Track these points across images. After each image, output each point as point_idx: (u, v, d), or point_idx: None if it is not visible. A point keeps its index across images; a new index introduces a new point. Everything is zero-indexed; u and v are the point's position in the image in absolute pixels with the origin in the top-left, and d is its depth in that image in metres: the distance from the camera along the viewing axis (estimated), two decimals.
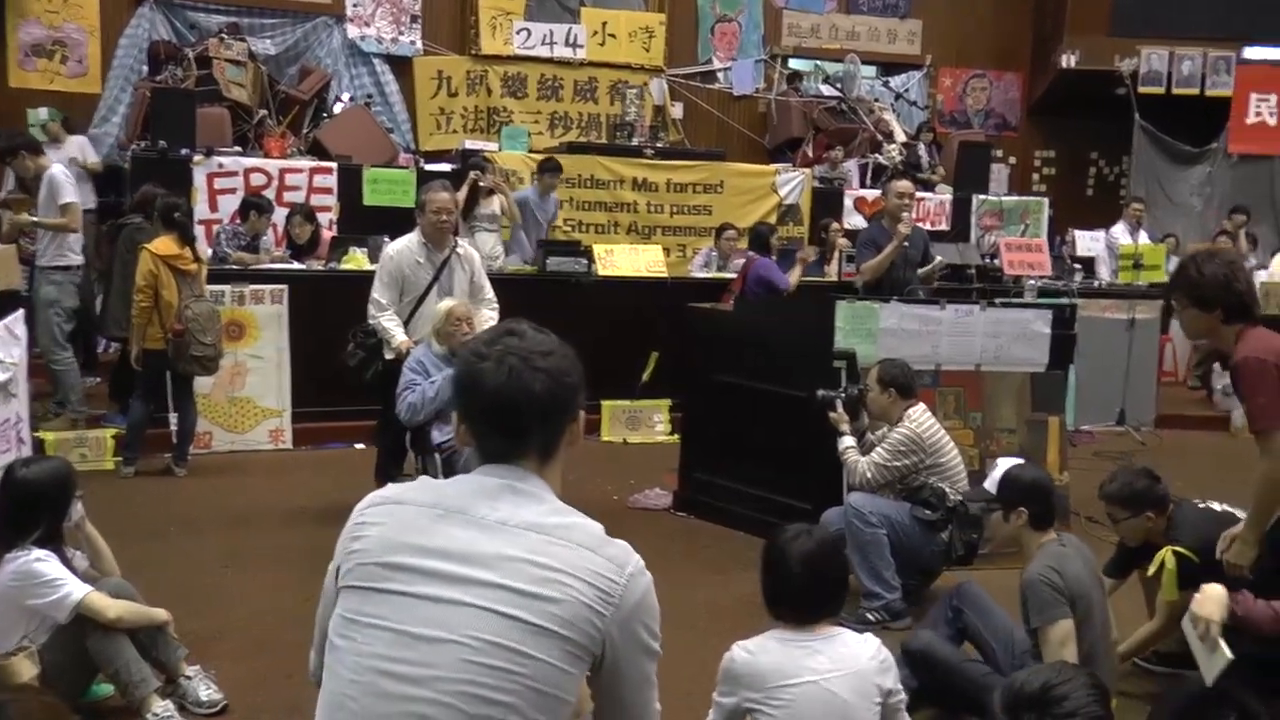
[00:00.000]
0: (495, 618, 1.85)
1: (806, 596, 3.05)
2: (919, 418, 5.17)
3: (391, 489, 2.05)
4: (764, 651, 3.02)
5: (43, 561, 3.77)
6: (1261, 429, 3.68)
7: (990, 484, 3.94)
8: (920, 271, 7.44)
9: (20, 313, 5.27)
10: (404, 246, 6.33)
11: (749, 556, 6.03)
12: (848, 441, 5.30)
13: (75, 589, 3.77)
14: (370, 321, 6.30)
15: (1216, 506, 4.41)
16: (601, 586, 1.90)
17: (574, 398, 2.03)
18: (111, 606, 3.83)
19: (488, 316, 6.24)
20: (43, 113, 10.73)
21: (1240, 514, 4.36)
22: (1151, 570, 4.18)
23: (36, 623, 3.79)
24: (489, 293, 6.44)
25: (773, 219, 11.77)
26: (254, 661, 4.53)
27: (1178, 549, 4.12)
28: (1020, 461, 3.96)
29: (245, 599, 5.19)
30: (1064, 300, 7.48)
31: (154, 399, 7.25)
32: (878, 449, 5.19)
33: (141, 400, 7.24)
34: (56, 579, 3.75)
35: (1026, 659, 3.80)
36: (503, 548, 1.89)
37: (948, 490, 5.06)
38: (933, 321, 6.14)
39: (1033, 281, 9.72)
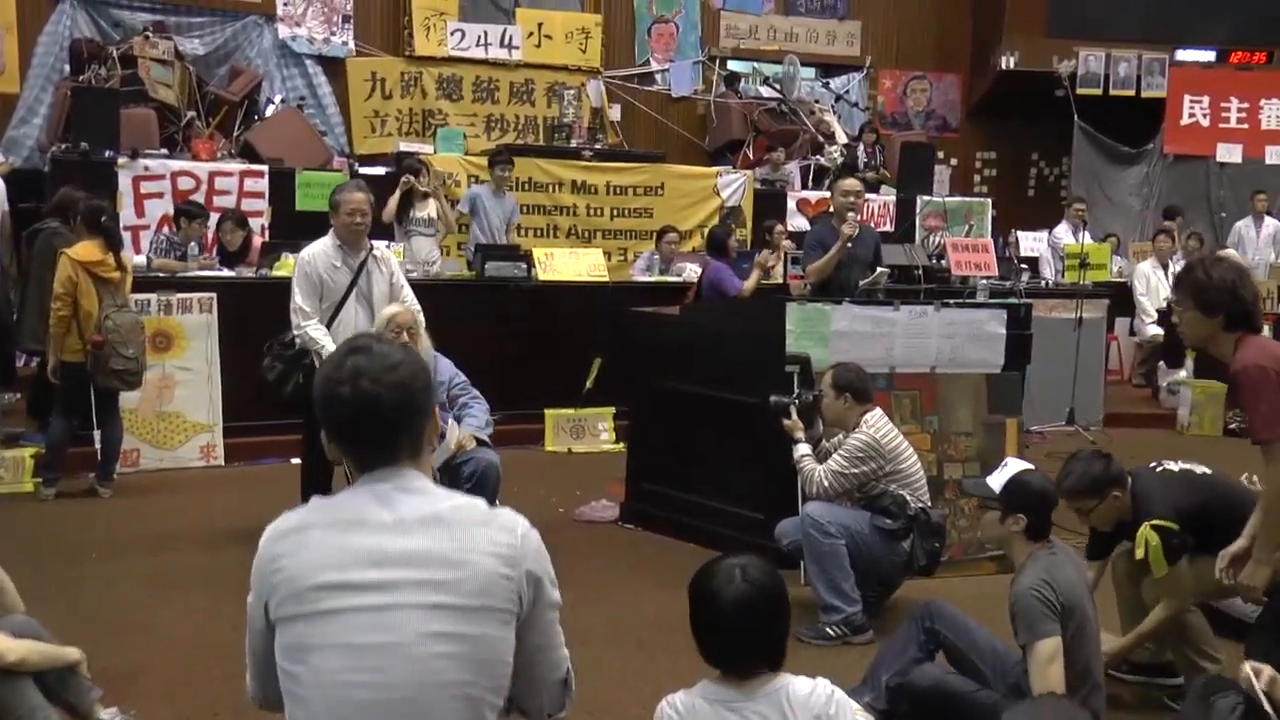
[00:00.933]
0: (427, 611, 2.05)
1: (741, 649, 2.57)
2: (876, 423, 4.99)
3: (289, 518, 2.16)
4: (693, 715, 2.58)
5: None
6: (1266, 439, 3.54)
7: (994, 481, 3.74)
8: (863, 284, 7.20)
9: None
10: (319, 250, 6.05)
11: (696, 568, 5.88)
12: (803, 449, 5.11)
13: None
14: (295, 332, 6.00)
15: (1174, 466, 4.31)
16: (503, 553, 2.12)
17: (427, 400, 2.20)
18: (13, 649, 3.50)
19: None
20: None
21: (1198, 469, 4.30)
22: (1139, 554, 4.02)
23: None
24: (410, 296, 6.18)
25: (714, 221, 11.59)
26: (178, 700, 4.23)
27: (1155, 523, 3.98)
28: (1030, 467, 3.77)
29: (169, 630, 4.87)
30: (1016, 300, 7.32)
31: (75, 415, 6.88)
32: (834, 456, 5.00)
33: (61, 417, 6.87)
34: None
35: (1020, 675, 3.63)
36: (409, 544, 2.08)
37: (908, 498, 4.88)
38: (886, 323, 5.97)
39: (984, 281, 9.61)
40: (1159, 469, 4.29)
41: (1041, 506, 3.69)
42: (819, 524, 4.82)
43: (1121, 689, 4.44)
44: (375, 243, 6.27)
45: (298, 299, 5.96)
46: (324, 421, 2.16)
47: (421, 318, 5.80)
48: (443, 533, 2.09)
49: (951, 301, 6.43)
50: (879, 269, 7.28)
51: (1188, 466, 4.30)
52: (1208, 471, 4.35)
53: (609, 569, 5.88)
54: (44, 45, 11.55)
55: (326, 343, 5.88)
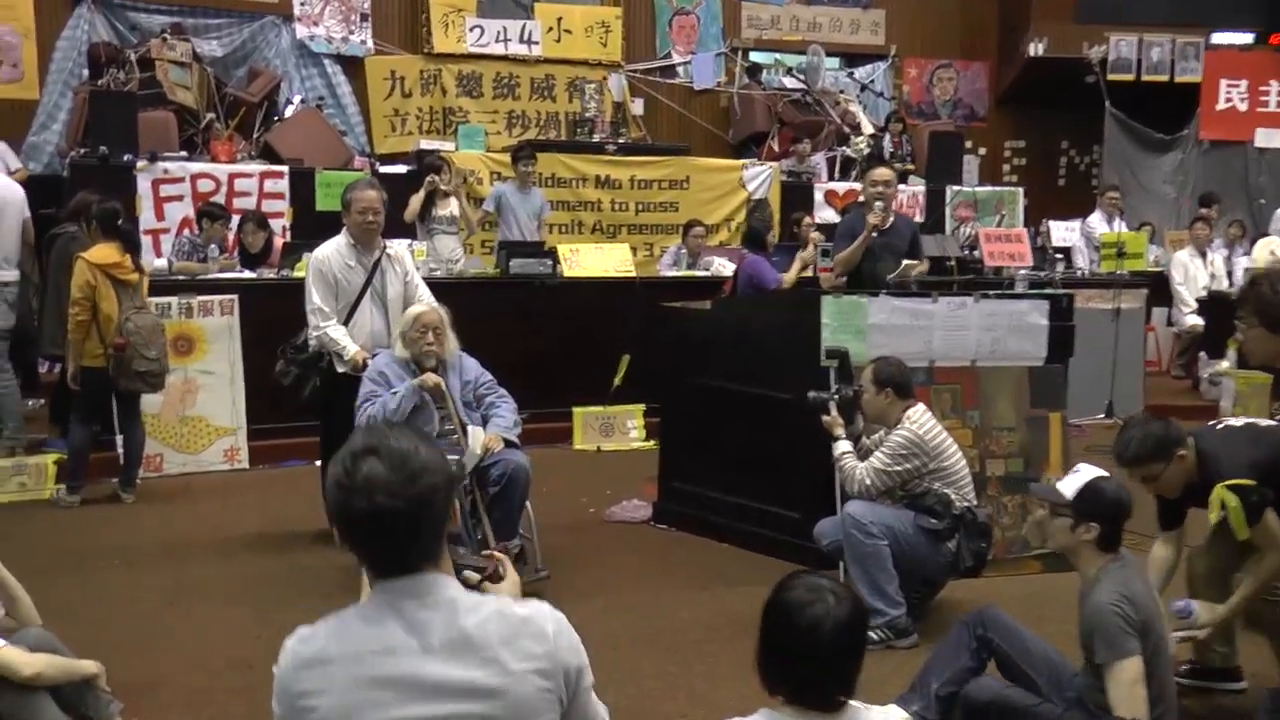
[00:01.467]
0: None
1: (835, 676, 2.33)
2: (919, 419, 4.79)
3: (312, 642, 2.03)
4: None
5: None
6: None
7: (1066, 487, 3.53)
8: (890, 276, 6.95)
9: None
10: (332, 250, 5.92)
11: (736, 571, 5.72)
12: (843, 447, 4.92)
13: None
14: (314, 333, 5.87)
15: (1235, 422, 4.06)
16: (540, 666, 2.05)
17: (445, 504, 2.07)
18: (29, 663, 3.38)
19: None
20: None
21: (1263, 422, 4.07)
22: (1213, 518, 3.79)
23: None
24: (425, 294, 6.03)
25: (740, 215, 11.43)
26: (198, 713, 4.10)
27: (1230, 483, 3.73)
28: (1103, 473, 3.54)
29: (189, 640, 4.73)
30: (1057, 291, 7.08)
31: (95, 420, 6.77)
32: (876, 453, 4.81)
33: (82, 423, 6.74)
34: None
35: (1081, 688, 3.45)
36: (443, 675, 1.99)
37: (953, 496, 4.69)
38: (925, 316, 5.77)
39: (1023, 272, 9.39)
40: (1220, 426, 4.04)
41: (1116, 516, 3.46)
42: (861, 524, 4.63)
43: (1189, 699, 4.24)
44: (389, 241, 6.13)
45: (315, 299, 5.83)
46: (337, 526, 2.04)
47: (446, 316, 5.65)
48: (474, 659, 2.00)
49: (992, 293, 6.22)
50: (905, 261, 7.01)
51: (1251, 420, 4.06)
52: (1273, 424, 4.11)
53: (641, 571, 5.71)
54: (62, 50, 11.50)
55: (347, 343, 5.75)
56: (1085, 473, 3.54)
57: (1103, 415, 9.40)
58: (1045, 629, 3.99)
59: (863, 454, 4.93)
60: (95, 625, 4.84)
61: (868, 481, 4.75)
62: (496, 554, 2.39)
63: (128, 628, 4.85)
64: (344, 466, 2.00)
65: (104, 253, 6.52)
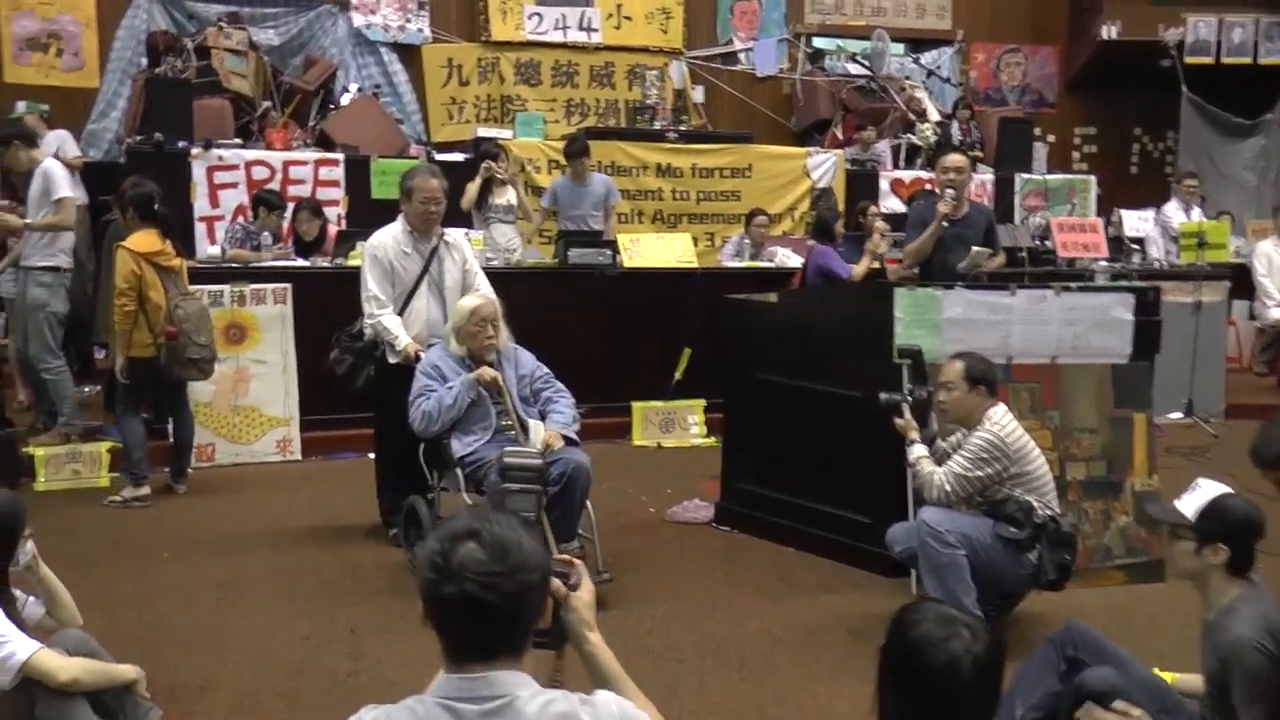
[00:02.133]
0: None
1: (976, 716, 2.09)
2: (1001, 419, 4.51)
3: None
4: None
5: None
6: None
7: (1186, 506, 3.24)
8: (960, 266, 6.62)
9: None
10: (388, 237, 5.75)
11: (803, 578, 5.47)
12: (919, 451, 4.65)
13: (20, 648, 3.17)
14: (367, 321, 5.72)
15: None
16: None
17: (539, 602, 2.00)
18: (65, 667, 3.23)
19: None
20: (20, 106, 10.23)
21: None
22: None
23: None
24: (484, 283, 5.84)
25: (805, 204, 11.15)
26: (244, 717, 3.94)
27: None
28: (1227, 490, 3.23)
29: (237, 639, 4.58)
30: (1143, 283, 6.74)
31: (140, 411, 6.63)
32: (956, 457, 4.52)
33: (132, 415, 6.60)
34: None
35: (1181, 712, 3.20)
36: None
37: (1035, 504, 4.41)
38: (1002, 309, 5.49)
39: (1103, 263, 9.03)
40: None
41: (1246, 535, 3.15)
42: (936, 532, 4.36)
43: None
44: (447, 229, 5.94)
45: (371, 287, 5.67)
46: (423, 602, 1.95)
47: (500, 308, 5.46)
48: None
49: (1073, 285, 5.91)
50: (975, 248, 6.67)
51: None
52: None
53: (704, 577, 5.48)
54: (121, 39, 11.50)
55: (401, 334, 5.58)
56: (1206, 489, 3.22)
57: (1181, 414, 9.04)
58: (1130, 646, 3.71)
59: (939, 458, 4.65)
60: (144, 621, 4.74)
61: (947, 487, 4.48)
62: (574, 560, 2.23)
63: (176, 625, 4.72)
64: (441, 546, 1.93)
65: (145, 240, 6.38)
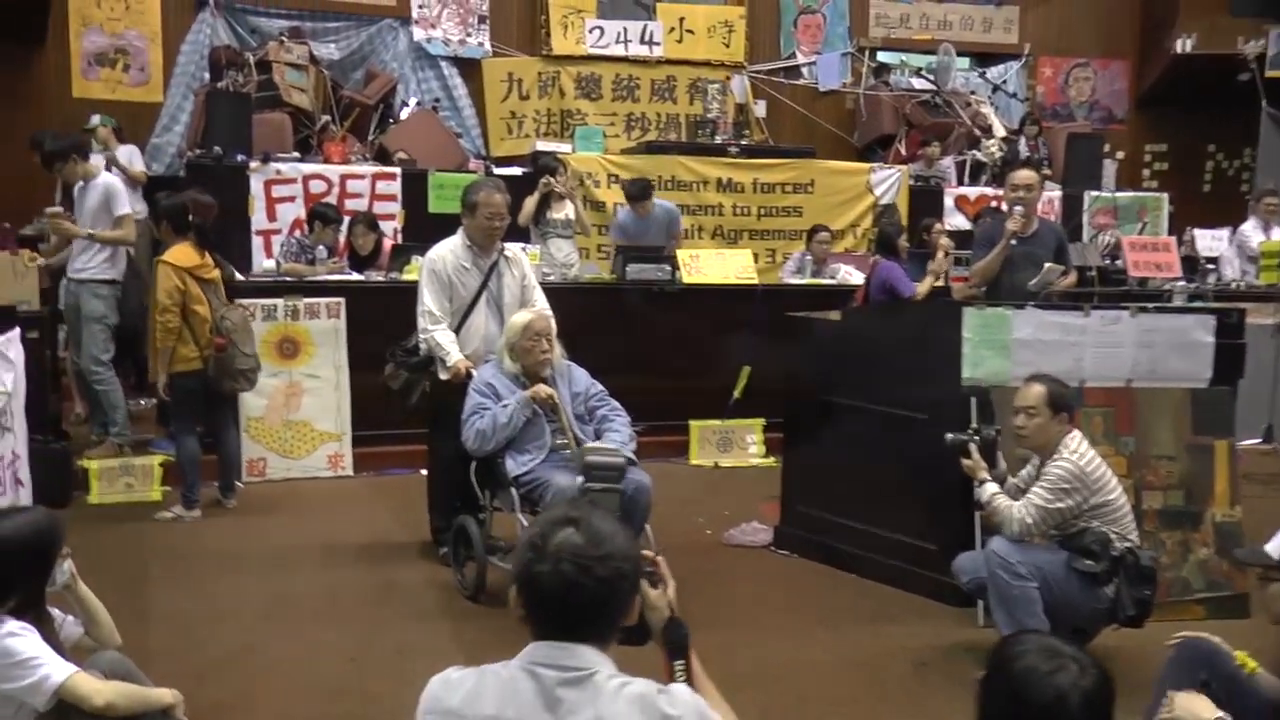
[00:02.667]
0: None
1: None
2: (1079, 448, 4.28)
3: (447, 691, 2.07)
4: None
5: (16, 637, 3.07)
6: None
7: (1275, 548, 3.03)
8: (1031, 284, 6.38)
9: (15, 333, 4.58)
10: (448, 251, 5.64)
11: (866, 607, 5.26)
12: (992, 488, 4.38)
13: (55, 670, 3.07)
14: (421, 335, 5.61)
15: None
16: None
17: (628, 594, 2.09)
18: (100, 690, 3.12)
19: None
20: (95, 118, 10.32)
21: None
22: None
23: (11, 710, 3.10)
24: (541, 298, 5.71)
25: (867, 220, 10.94)
26: None
27: None
28: None
29: (281, 660, 4.48)
30: (1224, 305, 6.47)
31: (195, 427, 6.57)
32: (1036, 488, 4.28)
33: (188, 433, 6.53)
34: (32, 658, 3.05)
35: None
36: None
37: (1112, 535, 4.18)
38: (1075, 331, 5.26)
39: (1180, 283, 8.73)
40: None
41: None
42: (1008, 563, 4.15)
43: None
44: (507, 244, 5.83)
45: (426, 301, 5.57)
46: (516, 585, 2.07)
47: (554, 323, 5.33)
48: None
49: (1150, 306, 5.67)
50: (1047, 265, 6.43)
51: None
52: None
53: (764, 603, 5.31)
54: (185, 54, 11.59)
55: (453, 350, 5.47)
56: None
57: (1260, 440, 8.70)
58: None
59: (1011, 496, 4.42)
60: (186, 640, 4.65)
61: (1029, 520, 4.23)
62: (659, 560, 2.30)
63: (221, 642, 4.63)
64: (541, 530, 2.05)
65: (185, 254, 6.32)
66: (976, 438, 4.50)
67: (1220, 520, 5.25)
